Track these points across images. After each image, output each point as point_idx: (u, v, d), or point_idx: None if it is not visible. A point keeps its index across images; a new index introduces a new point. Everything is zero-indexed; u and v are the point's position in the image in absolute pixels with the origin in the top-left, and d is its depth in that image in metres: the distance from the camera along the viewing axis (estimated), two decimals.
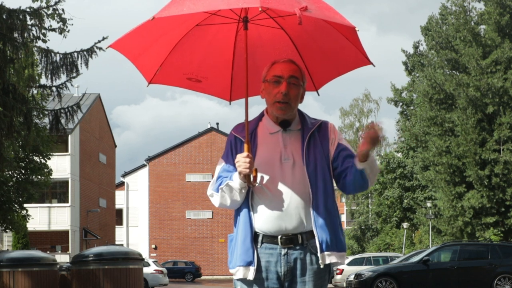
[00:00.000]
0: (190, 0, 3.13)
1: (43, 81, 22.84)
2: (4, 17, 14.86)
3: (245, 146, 3.22)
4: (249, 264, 3.23)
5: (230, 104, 3.87)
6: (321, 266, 3.24)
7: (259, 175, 3.23)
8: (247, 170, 3.14)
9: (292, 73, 3.27)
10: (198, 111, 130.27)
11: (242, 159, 3.16)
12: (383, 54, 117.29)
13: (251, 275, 3.23)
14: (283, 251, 3.24)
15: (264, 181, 3.24)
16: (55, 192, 45.79)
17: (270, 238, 3.24)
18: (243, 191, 3.22)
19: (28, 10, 15.37)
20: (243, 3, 3.02)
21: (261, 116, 3.40)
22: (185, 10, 3.10)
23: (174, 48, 3.58)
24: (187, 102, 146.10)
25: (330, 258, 3.24)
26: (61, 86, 17.07)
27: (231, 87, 3.78)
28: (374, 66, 3.55)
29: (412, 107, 47.16)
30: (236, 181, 3.20)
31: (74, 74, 16.58)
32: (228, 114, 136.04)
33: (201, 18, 3.49)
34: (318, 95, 3.80)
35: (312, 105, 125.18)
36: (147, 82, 3.69)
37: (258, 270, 3.25)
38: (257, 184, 3.23)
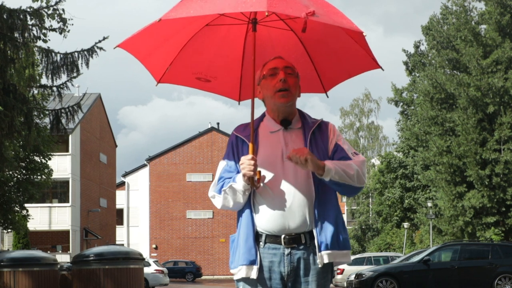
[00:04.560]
0: (197, 3, 3.13)
1: (43, 81, 22.93)
2: (5, 17, 14.86)
3: (250, 147, 3.22)
4: (252, 263, 3.22)
5: (239, 104, 3.87)
6: (319, 266, 3.23)
7: (261, 175, 3.22)
8: (252, 173, 3.14)
9: (286, 64, 3.32)
10: (204, 111, 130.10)
11: (246, 161, 3.16)
12: (387, 55, 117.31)
13: (254, 274, 3.22)
14: (287, 251, 3.23)
15: (266, 180, 3.23)
16: (56, 192, 45.78)
17: (273, 238, 3.23)
18: (246, 193, 3.22)
19: (28, 10, 15.36)
20: (249, 6, 3.02)
21: (262, 116, 3.41)
22: (192, 13, 3.11)
23: (184, 47, 3.58)
24: (194, 102, 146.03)
25: (331, 257, 3.23)
26: (61, 86, 17.07)
27: (240, 87, 3.79)
28: (383, 70, 3.55)
29: (412, 107, 47.14)
30: (239, 183, 3.20)
31: (75, 74, 16.58)
32: (235, 114, 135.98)
33: (210, 18, 3.50)
34: (327, 97, 3.79)
35: (318, 106, 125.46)
36: (156, 82, 3.68)
37: (260, 270, 3.24)
38: (261, 185, 3.23)
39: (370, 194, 63.37)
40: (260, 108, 3.43)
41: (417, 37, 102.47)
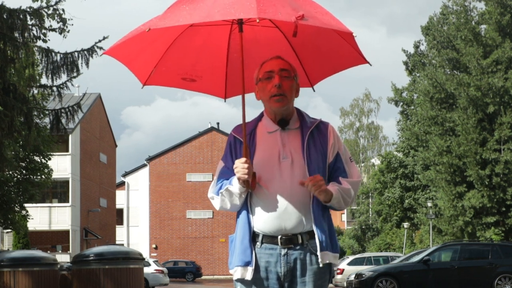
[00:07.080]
0: (186, 10, 3.15)
1: (43, 80, 22.88)
2: (5, 16, 14.86)
3: (244, 150, 3.23)
4: (247, 264, 3.24)
5: (225, 101, 3.89)
6: (321, 265, 3.24)
7: (257, 174, 3.23)
8: (246, 176, 3.15)
9: (282, 66, 3.30)
10: (206, 111, 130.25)
11: (240, 165, 3.17)
12: (390, 55, 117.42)
13: (249, 275, 3.23)
14: (283, 251, 3.23)
15: (263, 181, 3.24)
16: (56, 192, 45.79)
17: (270, 238, 3.24)
18: (243, 195, 3.24)
19: (28, 10, 15.36)
20: (239, 14, 3.03)
21: (260, 116, 3.41)
22: (181, 21, 3.13)
23: (168, 49, 3.59)
24: (197, 102, 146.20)
25: (330, 258, 3.25)
26: (61, 86, 17.06)
27: (226, 85, 3.81)
28: (370, 65, 3.56)
29: (412, 107, 47.15)
30: (235, 186, 3.21)
31: (75, 74, 16.57)
32: (237, 114, 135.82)
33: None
34: (314, 91, 3.82)
35: (321, 106, 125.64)
36: (142, 84, 3.70)
37: (257, 270, 3.24)
38: (257, 185, 3.23)
39: (370, 194, 63.34)
40: (260, 108, 3.45)
41: (418, 38, 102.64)
